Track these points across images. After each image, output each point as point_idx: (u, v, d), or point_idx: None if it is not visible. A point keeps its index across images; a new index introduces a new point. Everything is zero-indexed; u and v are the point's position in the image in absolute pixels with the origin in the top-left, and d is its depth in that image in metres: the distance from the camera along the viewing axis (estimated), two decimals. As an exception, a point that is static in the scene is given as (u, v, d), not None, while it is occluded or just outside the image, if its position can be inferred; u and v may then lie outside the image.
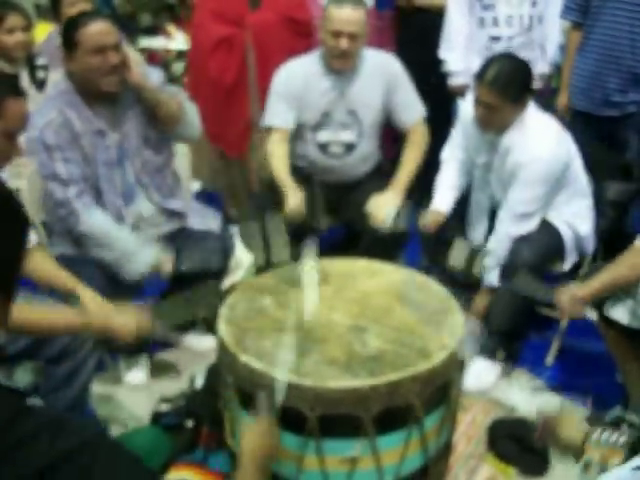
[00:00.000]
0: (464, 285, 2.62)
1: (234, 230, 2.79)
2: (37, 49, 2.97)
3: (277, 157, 2.71)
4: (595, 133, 2.92)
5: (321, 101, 2.70)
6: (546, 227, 2.51)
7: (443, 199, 2.68)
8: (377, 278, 2.04)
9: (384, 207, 2.66)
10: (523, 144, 2.38)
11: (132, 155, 2.38)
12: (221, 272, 2.65)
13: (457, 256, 2.51)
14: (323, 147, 2.77)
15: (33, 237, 2.06)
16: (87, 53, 2.18)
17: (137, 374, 2.57)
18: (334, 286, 2.00)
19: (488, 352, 2.55)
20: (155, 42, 4.06)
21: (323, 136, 2.75)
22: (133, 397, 2.48)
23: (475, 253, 2.51)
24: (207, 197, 3.58)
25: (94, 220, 2.27)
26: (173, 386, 2.42)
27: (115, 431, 2.26)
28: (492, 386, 2.50)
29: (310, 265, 2.00)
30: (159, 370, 2.62)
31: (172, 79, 3.64)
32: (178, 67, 3.86)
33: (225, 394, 1.80)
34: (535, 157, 2.37)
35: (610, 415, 2.24)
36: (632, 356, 2.19)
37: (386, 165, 3.00)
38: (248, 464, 1.45)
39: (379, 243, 2.61)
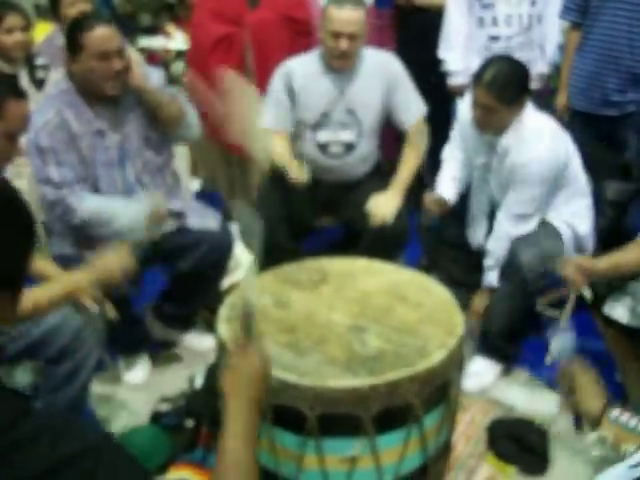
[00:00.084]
0: (464, 285, 2.62)
1: (234, 229, 2.79)
2: (36, 49, 2.97)
3: (278, 148, 2.71)
4: (594, 133, 2.92)
5: (320, 101, 2.70)
6: (545, 227, 2.51)
7: (447, 189, 2.68)
8: (377, 278, 2.05)
9: (384, 207, 2.66)
10: (521, 145, 2.38)
11: (133, 156, 2.38)
12: (220, 274, 2.66)
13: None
14: (323, 147, 2.77)
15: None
16: (91, 58, 2.19)
17: (137, 374, 2.57)
18: (334, 286, 2.00)
19: (488, 352, 2.55)
20: (155, 42, 4.06)
21: (323, 136, 2.75)
22: (133, 397, 2.48)
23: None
24: (207, 196, 3.58)
25: (87, 205, 2.26)
26: (173, 386, 2.42)
27: (115, 431, 2.27)
28: (491, 386, 2.50)
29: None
30: (159, 369, 2.63)
31: (172, 79, 3.64)
32: (178, 67, 3.86)
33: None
34: (533, 158, 2.37)
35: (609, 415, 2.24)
36: (631, 355, 2.19)
37: (386, 165, 3.00)
38: (237, 403, 1.27)
39: (379, 243, 2.61)
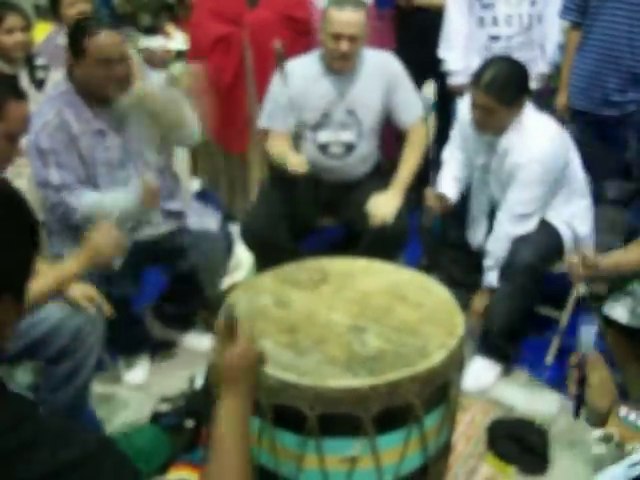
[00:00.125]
0: (464, 285, 2.62)
1: (234, 229, 2.80)
2: (36, 49, 2.96)
3: (279, 148, 2.71)
4: (594, 133, 2.92)
5: (321, 102, 2.70)
6: (545, 227, 2.51)
7: (449, 187, 2.68)
8: (377, 278, 2.04)
9: (384, 207, 2.66)
10: (521, 145, 2.38)
11: (134, 157, 2.38)
12: (220, 274, 2.66)
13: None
14: (323, 147, 2.77)
15: None
16: (94, 63, 2.20)
17: (137, 374, 2.57)
18: (334, 286, 2.00)
19: (488, 352, 2.55)
20: (154, 42, 4.05)
21: (323, 136, 2.75)
22: (133, 397, 2.48)
23: None
24: (207, 196, 3.58)
25: (85, 201, 2.26)
26: (173, 386, 2.42)
27: (115, 431, 2.27)
28: (491, 386, 2.50)
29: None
30: (159, 370, 2.63)
31: (172, 80, 3.63)
32: (178, 67, 3.85)
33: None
34: (533, 158, 2.37)
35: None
36: (631, 355, 2.19)
37: (386, 164, 3.00)
38: (227, 397, 1.28)
39: (379, 243, 2.61)
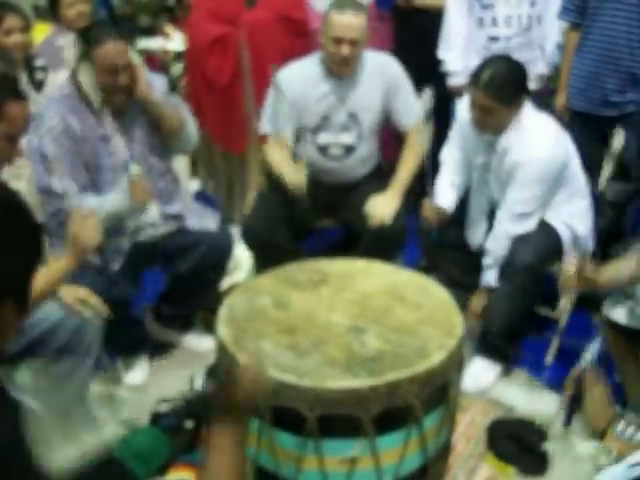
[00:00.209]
0: (463, 286, 2.62)
1: (234, 230, 2.80)
2: (35, 50, 2.96)
3: (277, 156, 2.71)
4: (593, 133, 2.92)
5: (321, 105, 2.70)
6: (544, 227, 2.51)
7: (446, 197, 2.68)
8: (376, 279, 2.05)
9: (383, 208, 2.66)
10: (521, 144, 2.39)
11: (137, 162, 2.39)
12: (220, 275, 2.66)
13: None
14: (323, 149, 2.77)
15: None
16: (99, 71, 2.20)
17: (136, 375, 2.57)
18: (333, 287, 2.00)
19: (487, 352, 2.55)
20: (153, 43, 4.05)
21: (323, 138, 2.75)
22: (132, 398, 2.48)
23: None
24: (206, 197, 3.58)
25: (84, 205, 2.26)
26: (172, 387, 2.42)
27: (114, 432, 2.26)
28: (491, 386, 2.51)
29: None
30: (158, 371, 2.63)
31: (171, 80, 3.64)
32: (177, 68, 3.86)
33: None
34: (533, 157, 2.37)
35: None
36: (630, 356, 2.20)
37: (385, 166, 3.01)
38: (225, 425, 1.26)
39: (378, 244, 2.61)
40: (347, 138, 2.75)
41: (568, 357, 2.61)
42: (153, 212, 2.44)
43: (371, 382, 1.59)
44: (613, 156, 3.07)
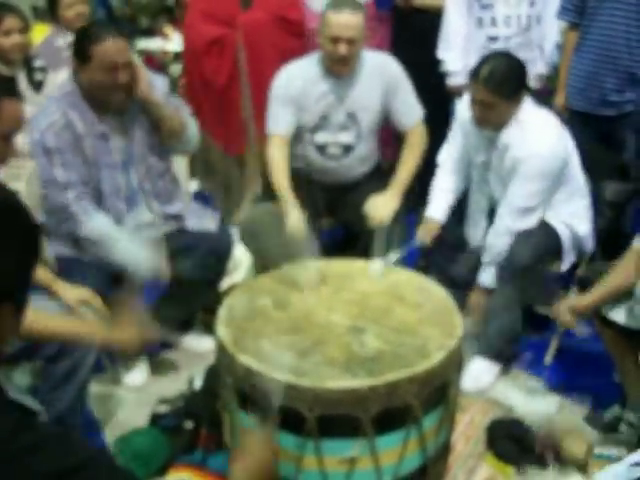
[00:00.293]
0: (462, 285, 2.62)
1: (233, 231, 2.79)
2: (34, 51, 2.96)
3: (277, 164, 2.70)
4: (592, 133, 2.92)
5: (319, 104, 2.70)
6: (544, 227, 2.51)
7: (439, 205, 2.69)
8: (376, 279, 2.05)
9: (382, 208, 2.66)
10: (522, 140, 2.39)
11: (137, 161, 2.39)
12: (219, 275, 2.65)
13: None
14: (321, 148, 2.77)
15: None
16: (98, 69, 2.19)
17: (136, 375, 2.57)
18: (333, 287, 2.00)
19: (487, 352, 2.55)
20: (152, 44, 4.06)
21: (321, 138, 2.75)
22: (132, 398, 2.48)
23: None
24: (205, 198, 3.58)
25: (94, 224, 2.27)
26: (172, 387, 2.42)
27: (114, 432, 2.26)
28: (490, 386, 2.50)
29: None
30: (158, 371, 2.62)
31: (170, 81, 3.64)
32: (176, 69, 3.86)
33: (224, 395, 1.80)
34: (534, 152, 2.37)
35: (608, 414, 2.25)
36: (630, 356, 2.20)
37: (385, 166, 3.01)
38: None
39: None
40: (346, 137, 2.75)
41: (567, 357, 2.63)
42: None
43: (370, 382, 1.59)
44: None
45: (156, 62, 3.91)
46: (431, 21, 3.27)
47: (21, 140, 2.42)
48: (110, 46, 2.18)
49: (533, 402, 2.39)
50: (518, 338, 2.58)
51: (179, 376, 2.50)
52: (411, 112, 2.80)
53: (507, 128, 2.41)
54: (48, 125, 2.21)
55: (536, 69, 3.10)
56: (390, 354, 1.70)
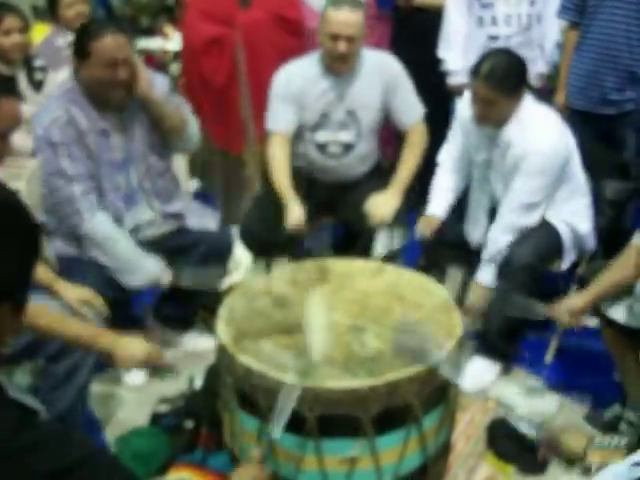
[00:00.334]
0: (463, 284, 2.62)
1: (234, 231, 2.79)
2: (34, 50, 2.96)
3: (278, 162, 2.70)
4: (593, 132, 2.92)
5: (320, 102, 2.70)
6: (544, 226, 2.51)
7: (439, 203, 2.69)
8: (376, 278, 2.05)
9: (383, 207, 2.66)
10: (524, 136, 2.38)
11: (137, 160, 2.39)
12: (222, 269, 2.65)
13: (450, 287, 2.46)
14: (322, 147, 2.77)
15: None
16: (98, 65, 2.19)
17: (136, 375, 2.57)
18: (333, 286, 2.00)
19: (487, 351, 2.55)
20: (152, 43, 4.05)
21: (322, 136, 2.75)
22: (132, 398, 2.48)
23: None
24: (204, 197, 3.58)
25: (97, 223, 2.28)
26: (172, 387, 2.42)
27: (114, 432, 2.27)
28: (491, 385, 2.50)
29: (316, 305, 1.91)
30: (158, 371, 2.62)
31: (170, 80, 3.64)
32: (176, 68, 3.86)
33: (224, 395, 1.81)
34: (536, 149, 2.36)
35: (608, 413, 2.25)
36: (630, 355, 2.20)
37: (385, 165, 3.01)
38: None
39: (377, 243, 2.61)
40: (346, 136, 2.75)
41: (567, 356, 2.62)
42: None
43: (370, 382, 1.59)
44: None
45: (156, 61, 3.91)
46: (431, 20, 3.27)
47: (20, 139, 2.43)
48: (109, 42, 2.18)
49: (533, 401, 2.39)
50: (518, 337, 2.58)
51: (179, 376, 2.50)
52: (411, 111, 2.80)
53: (508, 125, 2.41)
54: (51, 121, 2.21)
55: (537, 68, 3.10)
56: (390, 354, 1.70)
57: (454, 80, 3.21)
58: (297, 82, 2.69)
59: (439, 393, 1.72)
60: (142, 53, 3.80)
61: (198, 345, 2.70)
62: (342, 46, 2.56)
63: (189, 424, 2.18)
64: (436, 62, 3.23)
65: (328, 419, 1.59)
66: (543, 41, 3.12)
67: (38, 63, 2.91)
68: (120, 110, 2.33)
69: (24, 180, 2.49)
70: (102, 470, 0.92)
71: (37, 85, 2.88)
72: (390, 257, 2.51)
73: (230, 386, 1.73)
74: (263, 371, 1.62)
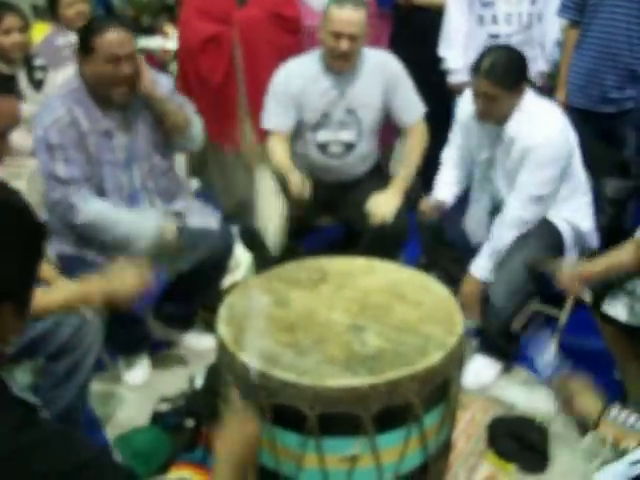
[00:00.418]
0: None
1: (234, 229, 2.79)
2: (34, 50, 2.96)
3: (279, 151, 2.71)
4: (593, 130, 2.92)
5: (320, 101, 2.70)
6: (545, 225, 2.50)
7: (445, 191, 2.68)
8: (376, 277, 2.05)
9: (384, 206, 2.66)
10: (528, 129, 2.38)
11: (140, 159, 2.39)
12: (222, 268, 2.65)
13: None
14: (322, 147, 2.77)
15: None
16: (101, 61, 2.20)
17: (137, 374, 2.57)
18: (333, 285, 2.00)
19: (487, 350, 2.55)
20: (152, 42, 4.05)
21: (322, 136, 2.75)
22: (133, 397, 2.48)
23: None
24: (205, 196, 3.58)
25: (91, 207, 2.27)
26: (173, 386, 2.42)
27: (115, 431, 2.27)
28: (491, 384, 2.51)
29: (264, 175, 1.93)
30: (159, 370, 2.63)
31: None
32: (175, 67, 3.86)
33: (225, 393, 1.80)
34: (543, 140, 2.36)
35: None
36: (630, 354, 2.20)
37: (382, 159, 3.01)
38: (224, 464, 1.35)
39: (378, 242, 2.61)
40: (347, 135, 2.75)
41: (567, 355, 2.62)
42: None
43: (371, 380, 1.59)
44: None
45: (156, 60, 3.91)
46: (432, 19, 3.27)
47: (20, 139, 2.43)
48: (113, 38, 2.19)
49: (534, 400, 2.39)
50: (519, 335, 2.58)
51: (180, 374, 2.50)
52: (412, 110, 2.80)
53: (511, 120, 2.41)
54: (52, 122, 2.21)
55: (537, 67, 3.10)
56: (391, 352, 1.70)
57: (455, 79, 3.21)
58: (297, 81, 2.68)
59: (440, 392, 1.72)
60: (142, 52, 3.80)
61: (199, 344, 2.70)
62: (344, 44, 2.56)
63: (190, 423, 2.18)
64: (436, 61, 3.23)
65: (329, 417, 1.59)
66: (544, 40, 3.13)
67: (38, 62, 2.91)
68: (124, 108, 2.33)
69: (25, 179, 2.50)
70: (105, 472, 0.92)
71: (37, 84, 2.88)
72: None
73: (231, 384, 1.73)
74: (264, 370, 1.62)
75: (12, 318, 0.93)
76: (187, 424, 2.19)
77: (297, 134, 2.78)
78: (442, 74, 3.26)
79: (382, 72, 2.73)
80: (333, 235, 3.22)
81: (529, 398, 2.41)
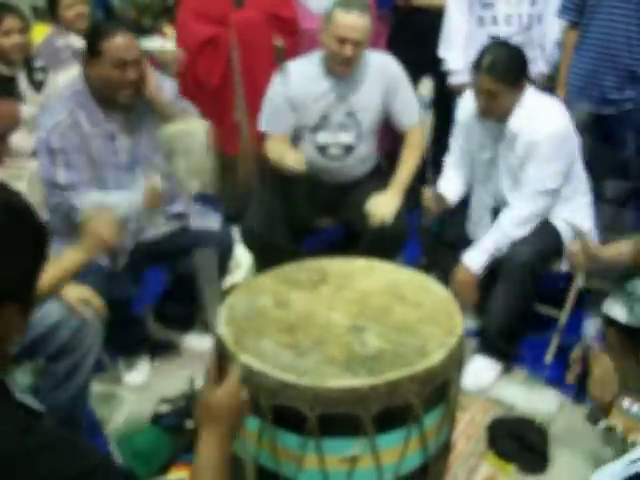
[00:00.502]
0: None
1: (234, 230, 2.80)
2: (35, 51, 2.96)
3: (277, 148, 2.71)
4: (593, 131, 2.92)
5: (320, 104, 2.70)
6: (545, 226, 2.51)
7: (449, 188, 2.69)
8: (376, 277, 2.05)
9: (383, 207, 2.66)
10: (532, 124, 2.38)
11: (143, 162, 2.39)
12: (222, 269, 2.66)
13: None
14: (322, 149, 2.77)
15: None
16: (108, 65, 2.20)
17: (137, 374, 2.58)
18: (333, 286, 2.00)
19: (487, 351, 2.55)
20: (152, 43, 4.05)
21: (322, 138, 2.75)
22: (133, 398, 2.48)
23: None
24: (205, 197, 3.58)
25: (87, 200, 2.26)
26: (173, 387, 2.42)
27: (115, 432, 2.27)
28: (491, 385, 2.51)
29: None
30: (159, 370, 2.63)
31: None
32: (176, 67, 3.86)
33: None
34: (548, 133, 2.36)
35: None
36: (630, 355, 2.19)
37: (383, 160, 3.01)
38: (210, 435, 1.36)
39: (378, 243, 2.61)
40: (346, 138, 2.75)
41: (568, 355, 2.62)
42: (159, 220, 2.45)
43: (371, 381, 1.59)
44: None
45: (156, 62, 3.91)
46: (431, 20, 3.28)
47: (21, 140, 2.43)
48: (120, 42, 2.19)
49: (534, 400, 2.39)
50: (518, 336, 2.58)
51: (180, 375, 2.50)
52: (411, 112, 2.81)
53: (513, 117, 2.42)
54: (54, 125, 2.21)
55: (537, 68, 3.10)
56: (391, 353, 1.70)
57: (455, 80, 3.22)
58: (297, 83, 2.68)
59: (440, 392, 1.72)
60: (145, 54, 3.81)
61: (199, 345, 2.70)
62: (348, 50, 2.54)
63: (190, 424, 2.19)
64: (436, 62, 3.23)
65: (329, 418, 1.59)
66: (543, 41, 3.13)
67: (38, 64, 2.91)
68: (127, 111, 2.33)
69: (25, 181, 2.50)
70: (112, 478, 0.92)
71: (37, 86, 2.88)
72: None
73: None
74: (264, 370, 1.62)
75: (16, 318, 0.93)
76: (187, 425, 2.19)
77: (296, 136, 2.78)
78: (441, 75, 3.26)
79: (382, 75, 2.73)
80: (333, 236, 3.22)
81: (529, 399, 2.42)
